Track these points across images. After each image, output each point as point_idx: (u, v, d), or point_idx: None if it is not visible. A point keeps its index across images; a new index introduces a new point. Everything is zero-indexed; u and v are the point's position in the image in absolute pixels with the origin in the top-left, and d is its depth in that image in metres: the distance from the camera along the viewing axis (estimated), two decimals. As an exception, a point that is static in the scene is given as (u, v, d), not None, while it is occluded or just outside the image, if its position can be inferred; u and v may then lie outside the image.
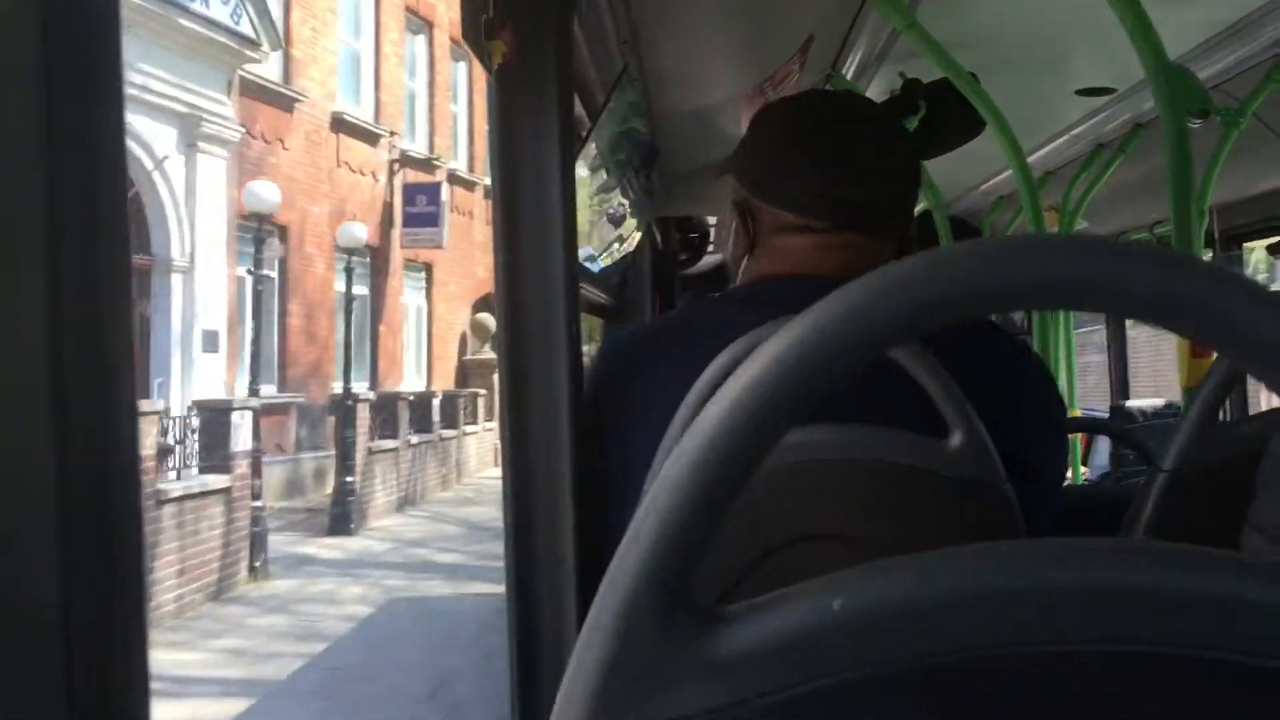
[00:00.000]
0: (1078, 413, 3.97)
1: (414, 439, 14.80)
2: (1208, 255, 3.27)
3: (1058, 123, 3.38)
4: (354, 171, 16.09)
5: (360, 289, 15.65)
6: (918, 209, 4.00)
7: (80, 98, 0.41)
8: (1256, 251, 3.66)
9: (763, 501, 0.98)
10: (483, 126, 19.83)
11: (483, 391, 18.67)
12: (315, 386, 14.86)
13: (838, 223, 1.20)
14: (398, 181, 17.23)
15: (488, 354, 19.05)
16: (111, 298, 0.42)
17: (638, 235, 3.20)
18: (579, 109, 1.89)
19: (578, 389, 1.16)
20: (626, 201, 2.42)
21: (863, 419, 1.03)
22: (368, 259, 16.33)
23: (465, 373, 19.32)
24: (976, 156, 3.18)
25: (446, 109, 19.55)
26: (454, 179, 18.87)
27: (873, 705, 0.42)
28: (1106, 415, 4.52)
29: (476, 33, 1.10)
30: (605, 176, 2.30)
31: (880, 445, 1.05)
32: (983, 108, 2.60)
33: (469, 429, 17.76)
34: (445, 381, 18.58)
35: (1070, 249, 0.39)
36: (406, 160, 17.51)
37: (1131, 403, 4.46)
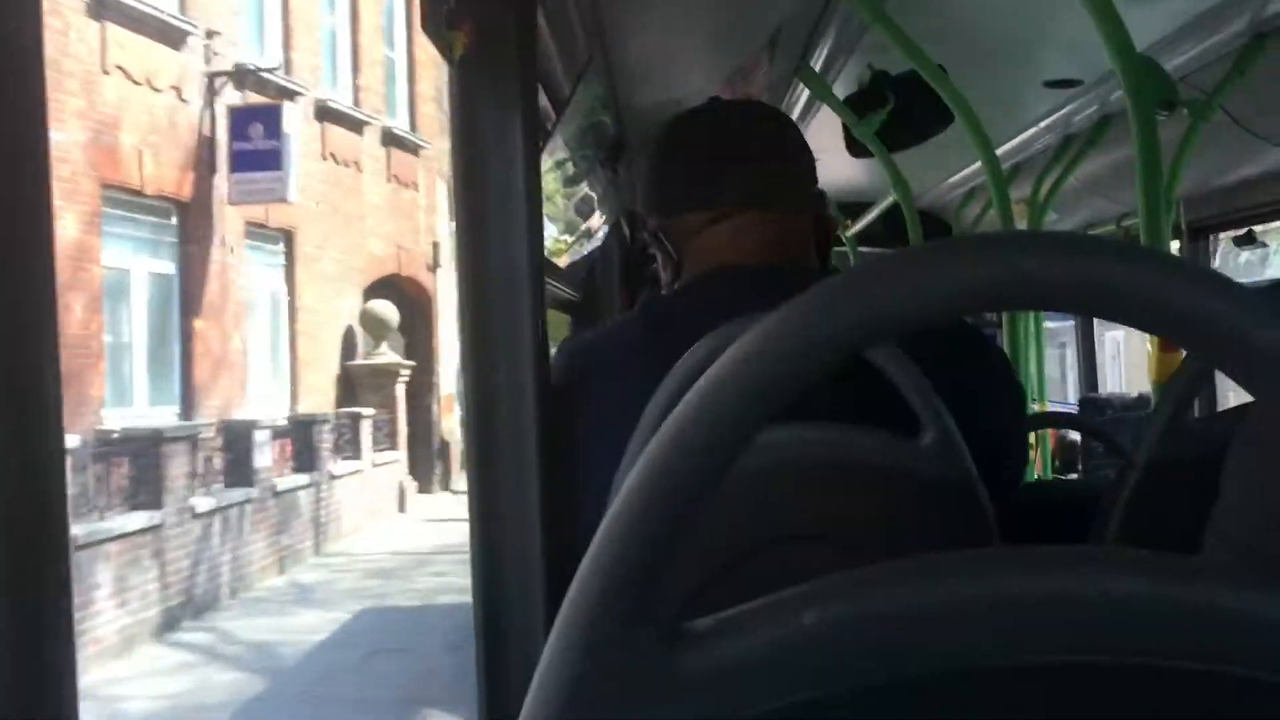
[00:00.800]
0: (1047, 407, 3.99)
1: (203, 505, 8.96)
2: (1175, 246, 3.29)
3: (1026, 115, 3.39)
4: (135, 82, 9.96)
5: (162, 265, 10.59)
6: (886, 203, 4.01)
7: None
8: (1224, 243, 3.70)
9: (734, 503, 0.96)
10: (376, 50, 14.91)
11: (369, 411, 12.99)
12: (70, 415, 7.10)
13: (741, 201, 1.25)
14: (222, 106, 11.23)
15: (385, 356, 13.81)
16: (33, 307, 0.39)
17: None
18: (544, 102, 1.86)
19: (544, 388, 1.14)
20: (594, 195, 2.40)
21: (832, 417, 1.02)
22: (172, 219, 10.68)
23: (351, 384, 13.48)
24: (945, 150, 3.18)
25: (313, 15, 13.43)
26: (327, 114, 13.29)
27: None
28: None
29: (437, 22, 1.08)
30: (573, 169, 2.28)
31: (853, 445, 1.04)
32: (951, 100, 2.60)
33: (344, 468, 12.12)
34: (321, 397, 12.83)
35: (1057, 247, 0.37)
36: (242, 76, 11.49)
37: (1101, 394, 4.49)
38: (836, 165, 3.86)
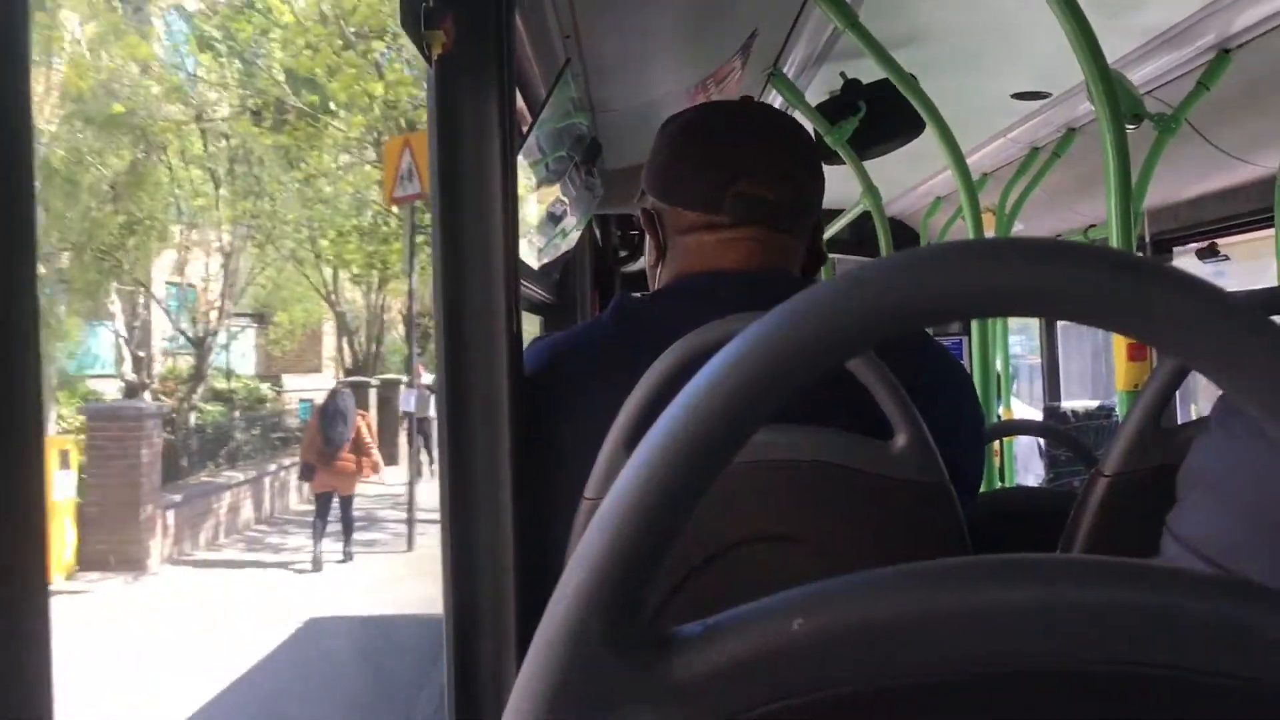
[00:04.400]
0: (1012, 414, 4.02)
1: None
2: (1138, 259, 3.32)
3: (994, 125, 3.42)
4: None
5: None
6: (855, 210, 4.02)
7: None
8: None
9: (710, 503, 0.96)
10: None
11: None
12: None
13: (738, 219, 1.23)
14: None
15: None
16: (16, 306, 0.39)
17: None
18: (520, 104, 1.86)
19: (519, 388, 1.14)
20: (567, 198, 2.40)
21: (805, 420, 1.02)
22: None
23: None
24: (913, 158, 3.21)
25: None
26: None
27: None
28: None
29: (415, 21, 1.07)
30: (545, 171, 2.28)
31: (826, 447, 1.04)
32: (922, 108, 2.62)
33: None
34: None
35: (1052, 254, 0.37)
36: None
37: (1064, 404, 4.53)
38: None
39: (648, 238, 1.31)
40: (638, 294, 1.32)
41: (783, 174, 1.25)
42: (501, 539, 1.11)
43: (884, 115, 2.87)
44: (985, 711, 0.40)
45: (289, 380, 18.84)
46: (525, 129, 1.95)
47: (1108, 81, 1.78)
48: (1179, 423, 2.43)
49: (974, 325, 3.05)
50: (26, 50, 0.39)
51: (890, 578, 0.40)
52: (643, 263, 1.37)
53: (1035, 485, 4.20)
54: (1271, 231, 2.89)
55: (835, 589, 0.40)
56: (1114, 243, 1.73)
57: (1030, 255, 0.37)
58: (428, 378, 16.28)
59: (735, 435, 0.39)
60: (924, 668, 0.39)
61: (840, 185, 3.93)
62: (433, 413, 16.70)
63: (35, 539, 0.40)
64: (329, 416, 11.34)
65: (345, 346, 20.54)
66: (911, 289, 0.38)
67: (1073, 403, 4.57)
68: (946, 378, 1.25)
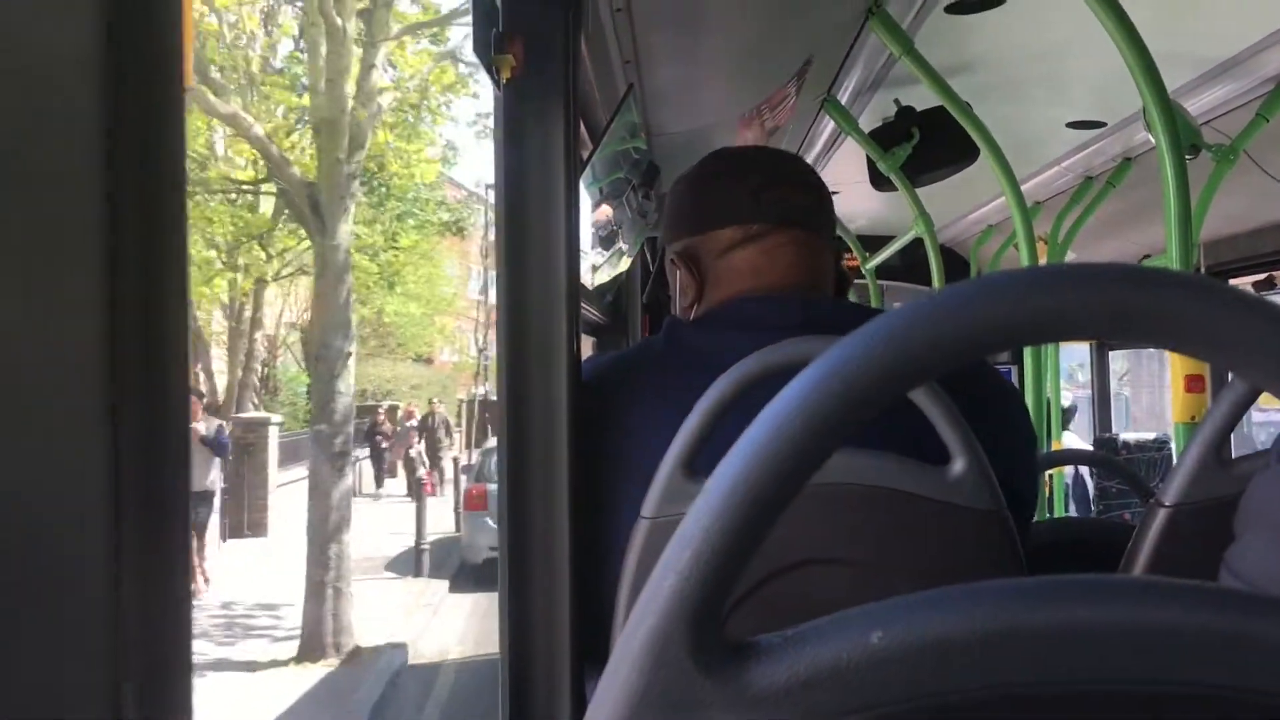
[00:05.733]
0: (1060, 445, 3.98)
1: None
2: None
3: (1048, 154, 3.41)
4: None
5: None
6: (907, 237, 4.00)
7: (143, 94, 0.41)
8: None
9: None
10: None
11: None
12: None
13: (777, 221, 1.27)
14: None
15: None
16: (168, 295, 0.41)
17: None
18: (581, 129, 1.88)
19: (577, 409, 1.15)
20: (622, 221, 2.42)
21: (862, 444, 1.03)
22: None
23: None
24: (964, 185, 3.20)
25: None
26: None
27: None
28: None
29: (486, 46, 1.09)
30: (601, 194, 2.30)
31: (884, 472, 1.04)
32: (977, 135, 2.61)
33: None
34: None
35: (1141, 280, 0.38)
36: None
37: (1117, 435, 4.47)
38: (856, 198, 3.87)
39: (682, 279, 1.32)
40: (690, 317, 1.33)
41: (803, 180, 1.31)
42: (558, 553, 1.12)
43: (937, 142, 2.87)
44: None
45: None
46: (588, 155, 1.97)
47: (1168, 111, 1.77)
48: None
49: (1026, 355, 3.03)
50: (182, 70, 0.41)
51: (969, 594, 0.41)
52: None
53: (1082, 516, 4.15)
54: (1331, 264, 2.85)
55: (915, 603, 0.41)
56: (1173, 273, 1.71)
57: (1126, 280, 0.38)
58: (204, 424, 9.99)
59: (818, 454, 0.40)
60: (1001, 683, 0.40)
61: (892, 212, 3.93)
62: (211, 484, 10.19)
63: (179, 534, 0.42)
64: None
65: (201, 373, 15.13)
66: (990, 314, 0.39)
67: (1125, 434, 4.51)
68: (1000, 398, 1.25)
